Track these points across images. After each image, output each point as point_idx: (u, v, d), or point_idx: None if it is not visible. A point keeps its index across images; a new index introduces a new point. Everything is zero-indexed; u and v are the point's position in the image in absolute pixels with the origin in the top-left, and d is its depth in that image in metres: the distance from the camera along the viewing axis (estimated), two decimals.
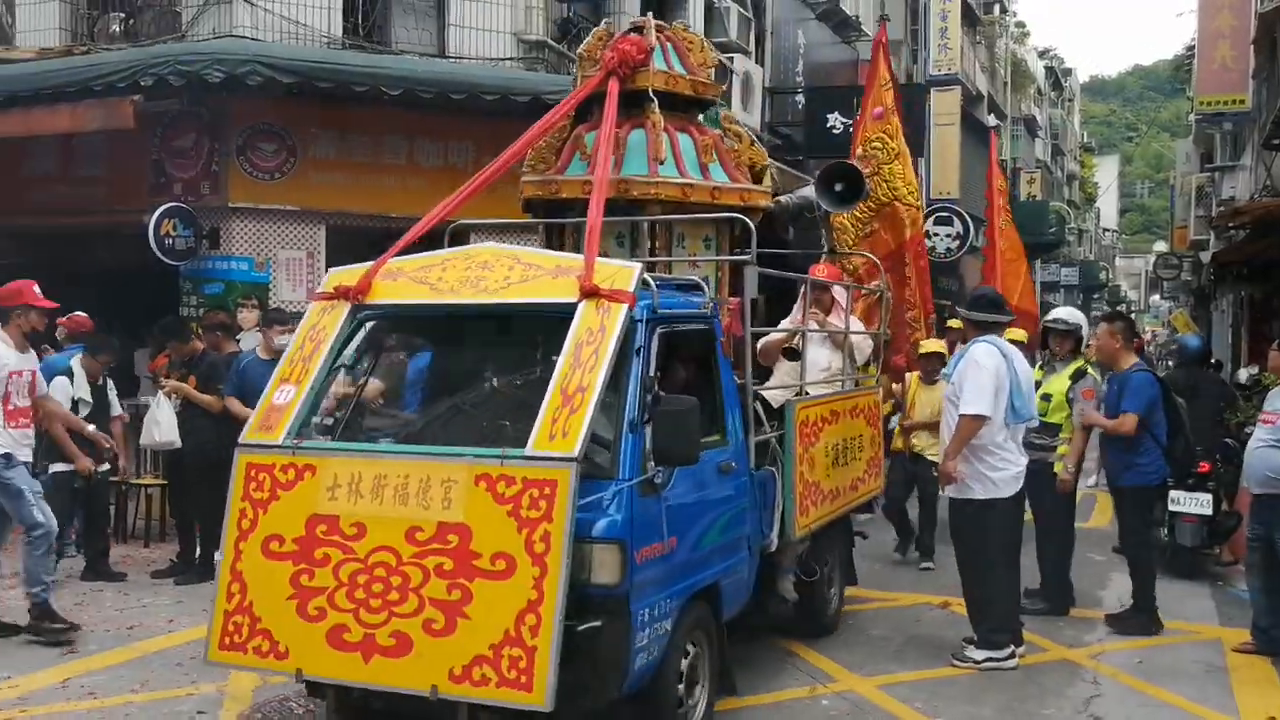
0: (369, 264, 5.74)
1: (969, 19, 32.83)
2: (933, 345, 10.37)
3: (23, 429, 7.45)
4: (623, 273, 5.25)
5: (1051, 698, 6.59)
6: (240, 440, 5.35)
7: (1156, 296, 61.74)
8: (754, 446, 6.24)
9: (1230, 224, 18.72)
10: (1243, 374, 15.69)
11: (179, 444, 9.41)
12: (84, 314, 10.06)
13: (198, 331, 10.26)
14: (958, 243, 22.87)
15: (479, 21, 12.67)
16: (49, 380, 8.26)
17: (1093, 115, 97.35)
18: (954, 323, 11.25)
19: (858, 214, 9.94)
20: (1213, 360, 21.19)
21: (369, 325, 5.86)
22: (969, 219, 24.29)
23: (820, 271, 8.17)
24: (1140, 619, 7.96)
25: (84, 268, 12.31)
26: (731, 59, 17.75)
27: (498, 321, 5.83)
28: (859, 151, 10.38)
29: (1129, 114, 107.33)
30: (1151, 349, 41.70)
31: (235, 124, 11.96)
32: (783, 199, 8.25)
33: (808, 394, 7.14)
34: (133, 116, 11.01)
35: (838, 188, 8.24)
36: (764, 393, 6.90)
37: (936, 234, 22.19)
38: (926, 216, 24.52)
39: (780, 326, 7.87)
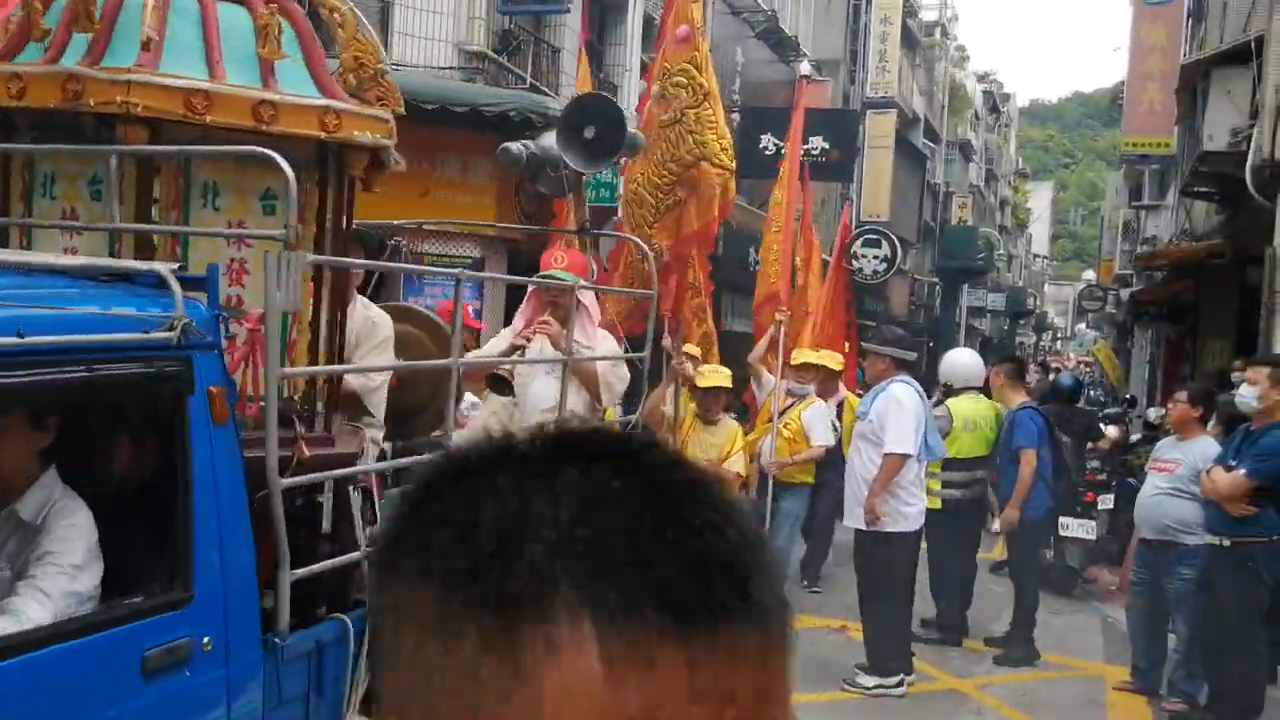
0: None
1: (909, 41, 33.37)
2: (716, 378, 7.98)
3: None
4: None
5: None
6: None
7: (1083, 325, 62.97)
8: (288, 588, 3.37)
9: (1148, 266, 19.31)
10: (1151, 413, 16.11)
11: None
12: None
13: None
14: (885, 265, 23.31)
15: (423, 30, 12.79)
16: None
17: (1030, 139, 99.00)
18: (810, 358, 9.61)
19: (657, 179, 7.26)
20: (1129, 396, 21.86)
21: None
22: (898, 241, 24.78)
23: (558, 261, 5.55)
24: (1020, 650, 8.32)
25: None
26: None
27: None
28: (655, 89, 7.48)
29: (1067, 140, 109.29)
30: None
31: None
32: (513, 148, 5.99)
33: None
34: None
35: (588, 134, 5.79)
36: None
37: (864, 255, 22.62)
38: (855, 237, 25.01)
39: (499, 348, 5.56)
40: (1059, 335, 73.29)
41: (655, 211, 7.32)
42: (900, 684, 7.35)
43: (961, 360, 9.31)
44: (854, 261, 24.14)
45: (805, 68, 14.45)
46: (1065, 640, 8.88)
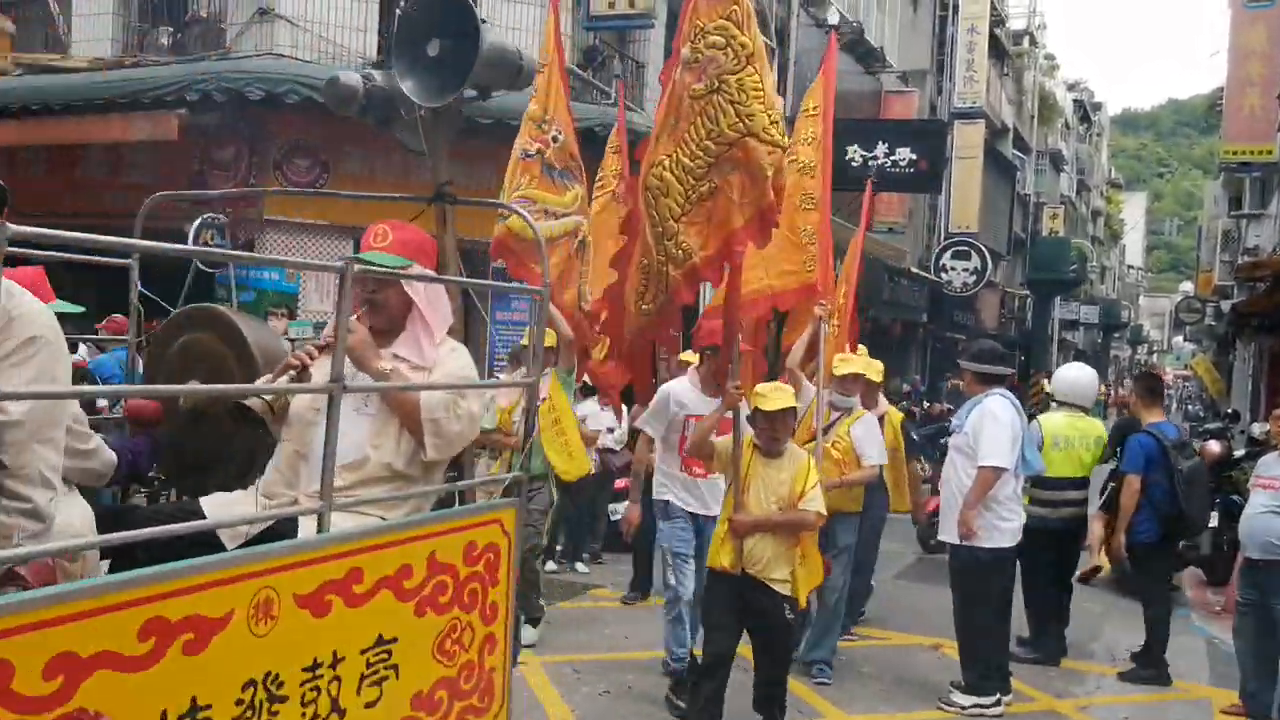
0: None
1: (996, 51, 33.00)
2: (782, 398, 5.92)
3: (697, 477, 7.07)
4: None
5: None
6: None
7: (1180, 338, 61.57)
8: None
9: (1250, 277, 18.81)
10: (1256, 428, 15.72)
11: None
12: (122, 316, 10.35)
13: None
14: (975, 277, 23.07)
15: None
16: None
17: (1123, 149, 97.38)
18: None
19: (690, 161, 5.54)
20: (1231, 410, 21.29)
21: None
22: (988, 254, 24.46)
23: (378, 238, 3.86)
24: (1149, 671, 8.16)
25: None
26: None
27: None
28: (685, 52, 5.54)
29: (1160, 149, 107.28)
30: (1171, 392, 41.43)
31: (273, 140, 12.46)
32: (343, 78, 4.17)
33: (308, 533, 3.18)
34: (177, 129, 11.80)
35: (431, 50, 4.07)
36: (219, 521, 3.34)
37: (953, 268, 22.40)
38: (944, 250, 24.72)
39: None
40: (1155, 349, 71.71)
41: (685, 201, 5.62)
42: (997, 703, 7.20)
43: (1068, 376, 9.07)
44: (943, 274, 23.96)
45: (833, 16, 13.86)
46: (1169, 660, 8.61)
